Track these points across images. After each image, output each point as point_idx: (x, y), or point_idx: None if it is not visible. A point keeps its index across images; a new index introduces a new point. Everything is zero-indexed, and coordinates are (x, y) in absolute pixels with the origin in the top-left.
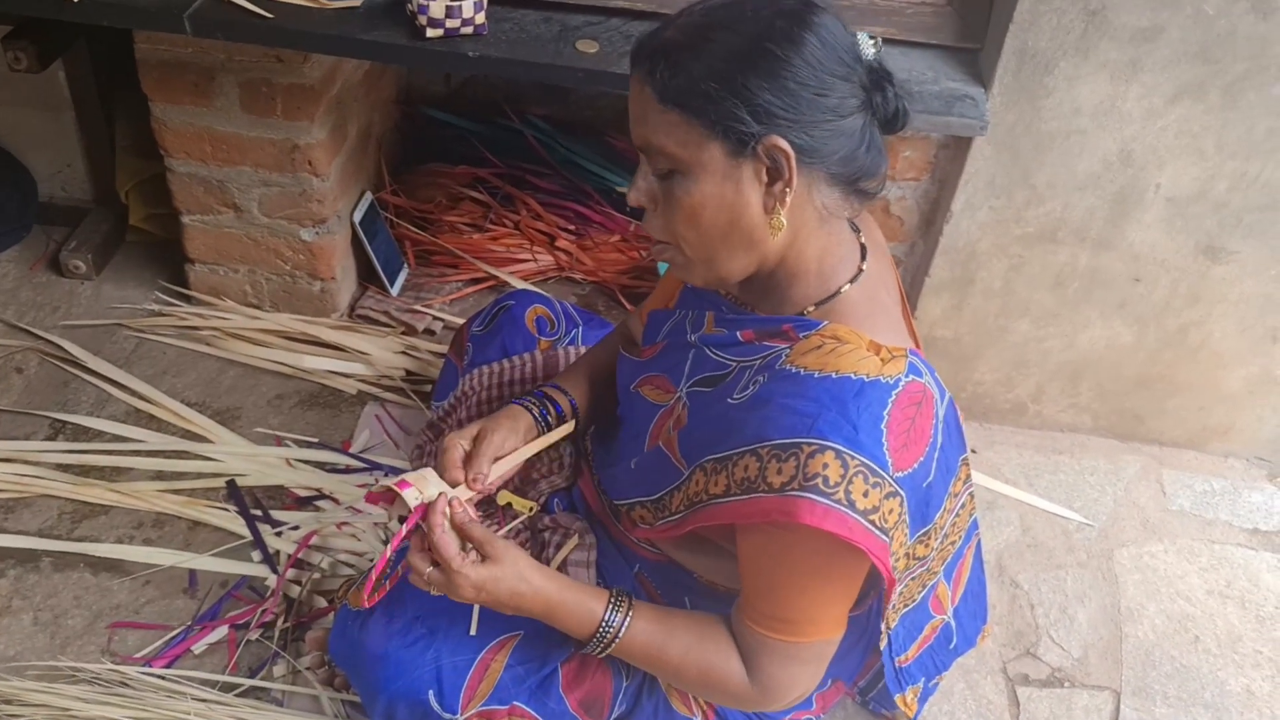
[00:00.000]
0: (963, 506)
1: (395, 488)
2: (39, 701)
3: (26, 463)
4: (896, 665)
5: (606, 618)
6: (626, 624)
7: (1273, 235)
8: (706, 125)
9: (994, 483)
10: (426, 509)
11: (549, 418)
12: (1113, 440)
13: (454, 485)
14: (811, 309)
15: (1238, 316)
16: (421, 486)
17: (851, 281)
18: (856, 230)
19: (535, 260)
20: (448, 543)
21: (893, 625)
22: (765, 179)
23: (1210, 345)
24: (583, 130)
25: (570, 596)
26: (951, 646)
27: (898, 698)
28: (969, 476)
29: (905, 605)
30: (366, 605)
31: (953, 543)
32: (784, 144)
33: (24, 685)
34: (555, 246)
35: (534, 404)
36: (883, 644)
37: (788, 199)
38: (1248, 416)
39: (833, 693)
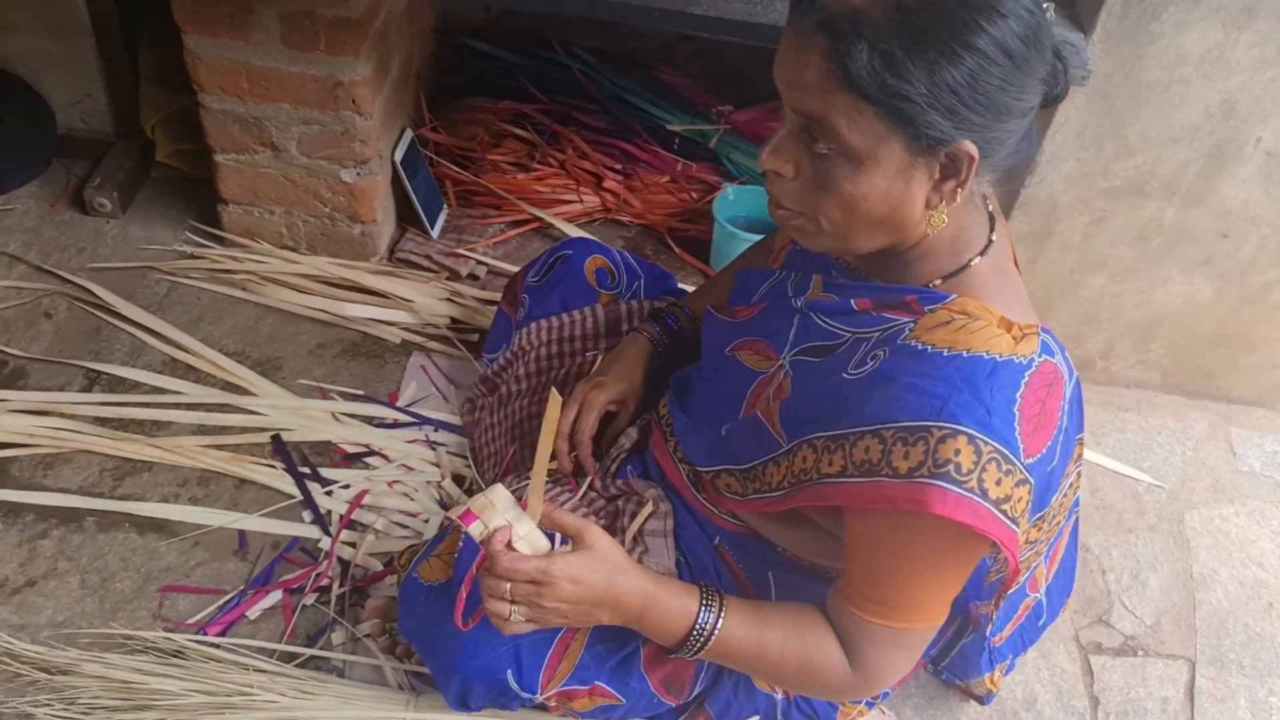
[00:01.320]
0: (1070, 485)
1: (460, 521)
2: (95, 673)
3: (63, 415)
4: (991, 646)
5: (700, 618)
6: (721, 622)
7: None
8: (896, 123)
9: None
10: (485, 544)
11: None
12: (1180, 397)
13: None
14: (938, 282)
15: None
16: (488, 517)
17: (981, 254)
18: (985, 198)
19: (581, 202)
20: (519, 562)
21: (998, 610)
22: (937, 176)
23: None
24: (630, 63)
25: (665, 590)
26: (1040, 623)
27: (986, 676)
28: (1081, 455)
29: (1011, 588)
30: (463, 629)
31: (1057, 522)
32: (974, 150)
33: (79, 655)
34: (602, 187)
35: (660, 339)
36: (987, 630)
37: (957, 199)
38: None
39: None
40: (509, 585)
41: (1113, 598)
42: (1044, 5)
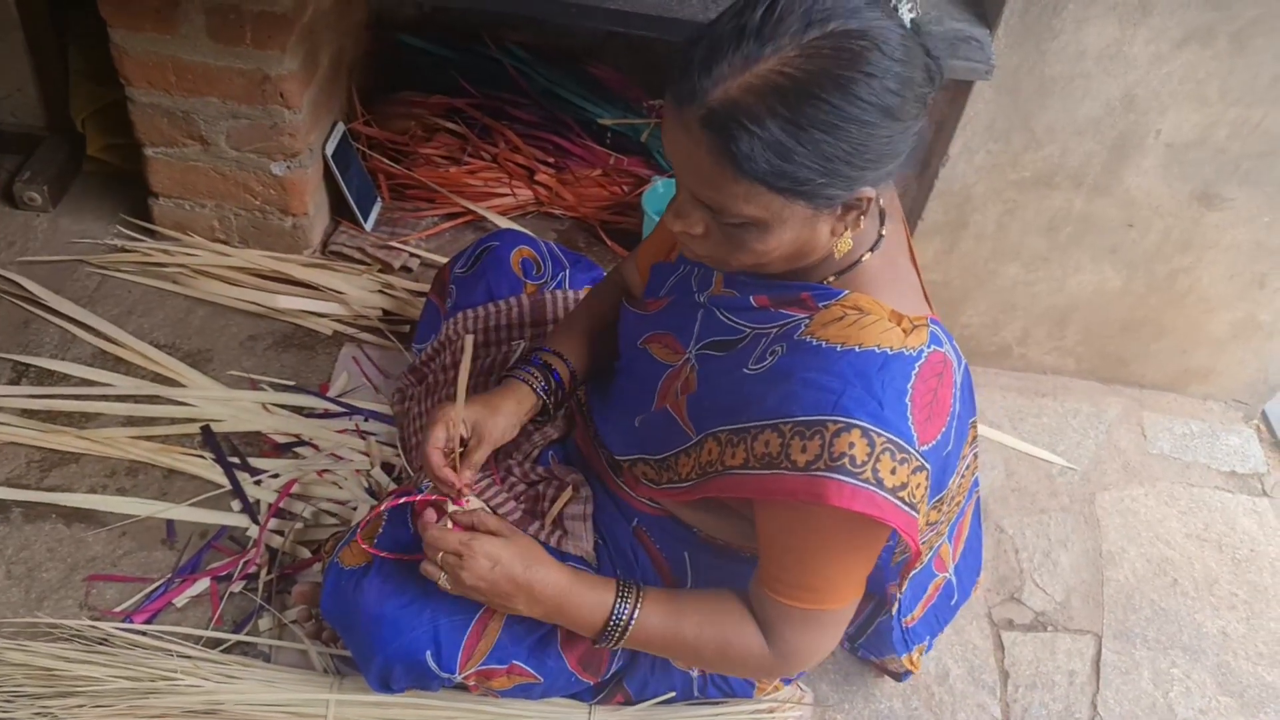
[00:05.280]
0: (968, 467)
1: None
2: (18, 661)
3: None
4: (903, 626)
5: (616, 609)
6: (637, 613)
7: (1268, 182)
8: (795, 197)
9: (980, 427)
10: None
11: (550, 392)
12: (1095, 382)
13: (447, 485)
14: (831, 278)
15: (1227, 262)
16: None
17: (871, 249)
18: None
19: (514, 195)
20: (444, 535)
21: (903, 590)
22: (839, 213)
23: (1198, 291)
24: (562, 58)
25: (582, 584)
26: (953, 602)
27: (904, 657)
28: (975, 438)
29: (914, 569)
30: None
31: (957, 503)
32: (871, 192)
33: (3, 644)
34: (534, 180)
35: (535, 378)
36: (894, 610)
37: (861, 224)
38: (1228, 360)
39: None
40: (440, 553)
41: (1025, 576)
42: (897, 8)
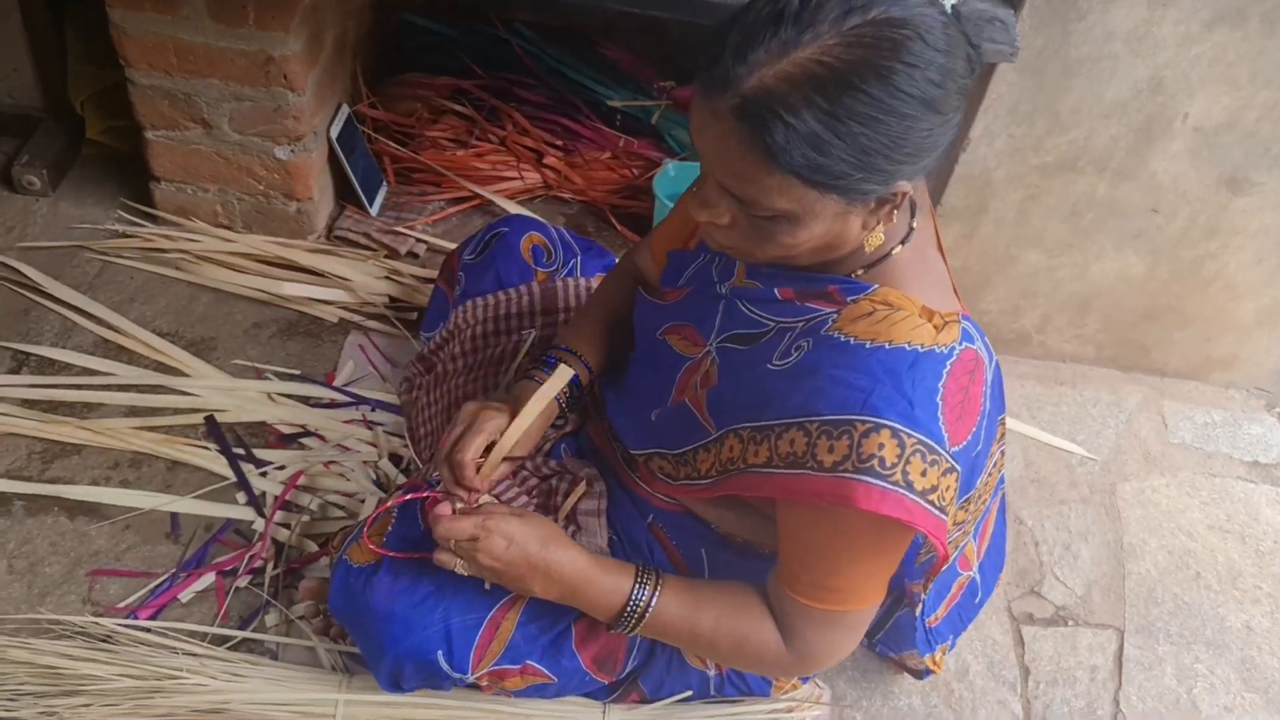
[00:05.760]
0: (995, 465)
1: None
2: (21, 659)
3: None
4: (927, 626)
5: (634, 594)
6: (655, 599)
7: None
8: (829, 190)
9: None
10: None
11: (569, 399)
12: (1114, 370)
13: (471, 491)
14: (860, 271)
15: (1255, 248)
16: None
17: (903, 242)
18: None
19: (522, 178)
20: (456, 523)
21: (927, 591)
22: (872, 207)
23: (1224, 277)
24: (571, 38)
25: (599, 567)
26: (976, 600)
27: (927, 657)
28: (1004, 435)
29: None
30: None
31: (984, 501)
32: (907, 186)
33: (6, 641)
34: (542, 164)
35: (569, 397)
36: (917, 610)
37: (894, 218)
38: (1253, 348)
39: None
40: (453, 540)
41: (1044, 569)
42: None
